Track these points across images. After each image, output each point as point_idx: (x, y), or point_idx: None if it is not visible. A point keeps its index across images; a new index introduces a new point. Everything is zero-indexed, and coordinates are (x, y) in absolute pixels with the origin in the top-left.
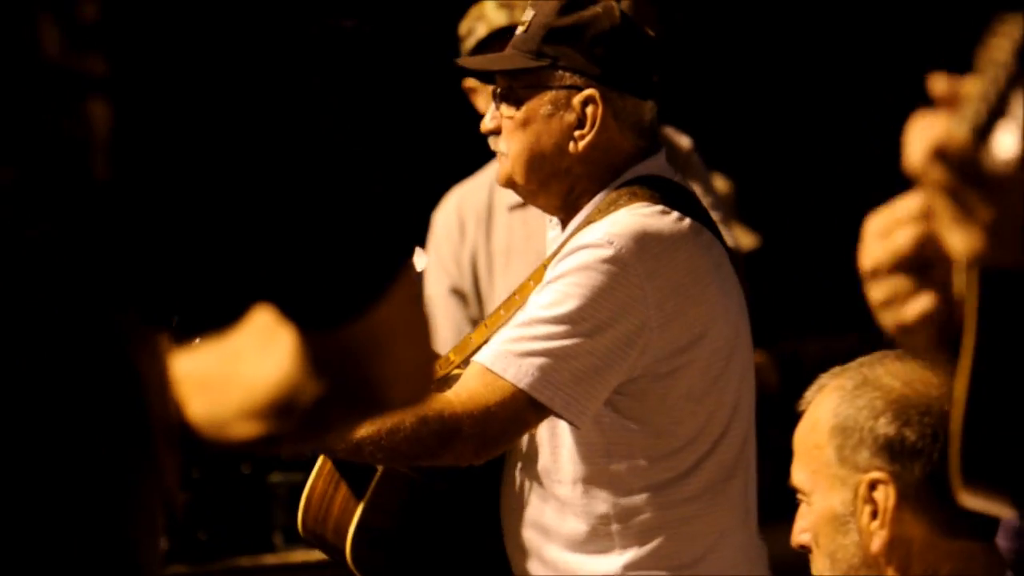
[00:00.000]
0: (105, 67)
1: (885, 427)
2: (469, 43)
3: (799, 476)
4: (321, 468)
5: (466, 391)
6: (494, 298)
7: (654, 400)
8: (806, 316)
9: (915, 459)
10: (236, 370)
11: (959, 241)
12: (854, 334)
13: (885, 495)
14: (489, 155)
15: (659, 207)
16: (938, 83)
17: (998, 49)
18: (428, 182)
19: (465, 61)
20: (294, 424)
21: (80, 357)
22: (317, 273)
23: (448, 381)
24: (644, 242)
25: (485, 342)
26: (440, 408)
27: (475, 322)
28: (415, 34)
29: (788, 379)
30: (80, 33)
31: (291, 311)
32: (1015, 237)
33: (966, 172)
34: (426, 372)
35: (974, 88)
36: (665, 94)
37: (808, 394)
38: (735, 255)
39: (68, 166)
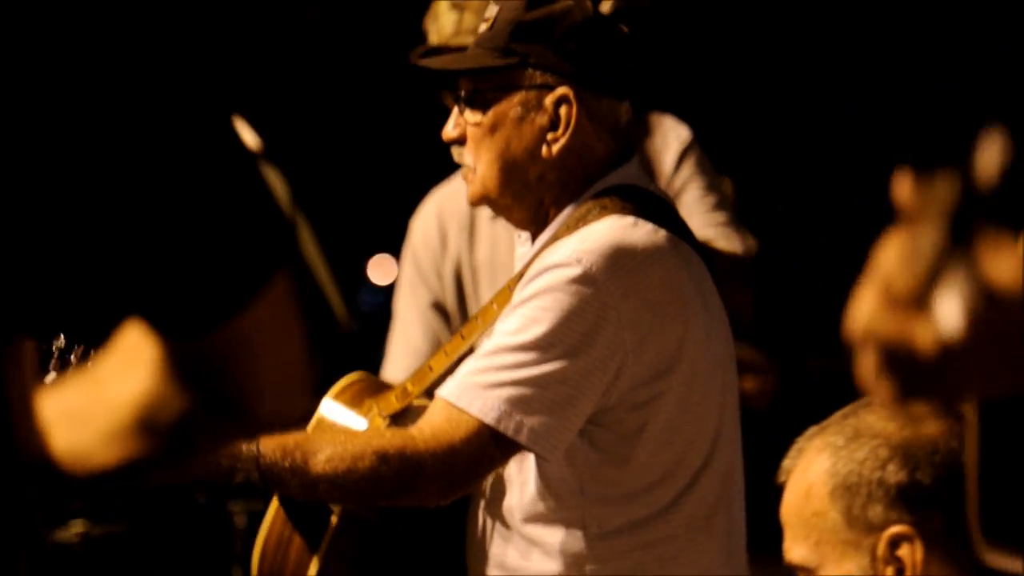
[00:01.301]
0: None
1: (896, 475)
2: (431, 40)
3: (798, 552)
4: (275, 515)
5: (429, 427)
6: None
7: (631, 431)
8: (812, 332)
9: (933, 505)
10: (98, 395)
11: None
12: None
13: (911, 551)
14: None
15: (631, 219)
16: (902, 188)
17: (932, 209)
18: (397, 185)
19: (425, 62)
20: (161, 443)
21: None
22: (179, 281)
23: (407, 414)
24: (615, 258)
25: (446, 371)
26: (402, 445)
27: None
28: (373, 25)
29: (791, 398)
30: None
31: (155, 321)
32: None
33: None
34: (298, 384)
35: (912, 251)
36: (665, 88)
37: (787, 462)
38: (741, 260)
39: None
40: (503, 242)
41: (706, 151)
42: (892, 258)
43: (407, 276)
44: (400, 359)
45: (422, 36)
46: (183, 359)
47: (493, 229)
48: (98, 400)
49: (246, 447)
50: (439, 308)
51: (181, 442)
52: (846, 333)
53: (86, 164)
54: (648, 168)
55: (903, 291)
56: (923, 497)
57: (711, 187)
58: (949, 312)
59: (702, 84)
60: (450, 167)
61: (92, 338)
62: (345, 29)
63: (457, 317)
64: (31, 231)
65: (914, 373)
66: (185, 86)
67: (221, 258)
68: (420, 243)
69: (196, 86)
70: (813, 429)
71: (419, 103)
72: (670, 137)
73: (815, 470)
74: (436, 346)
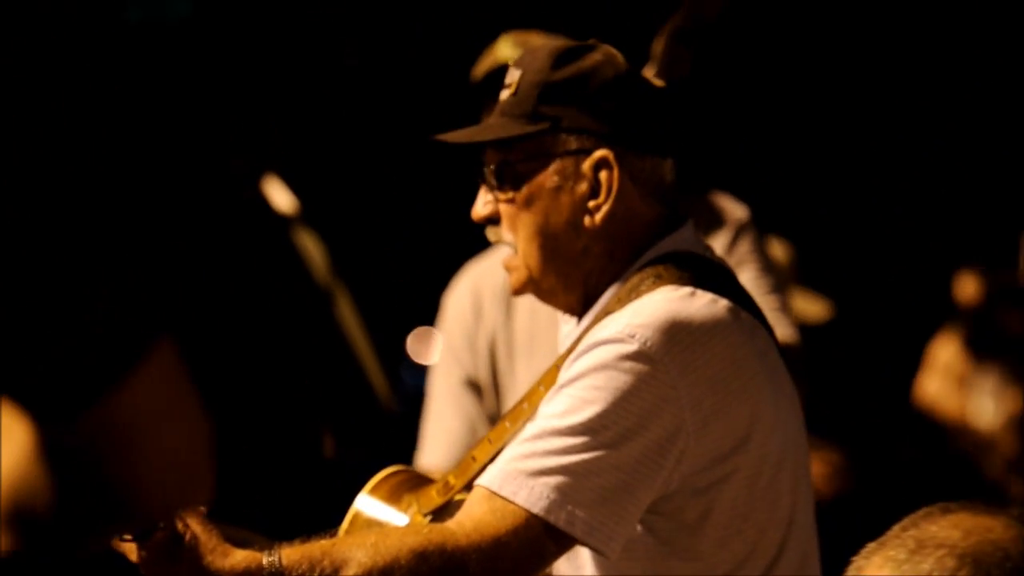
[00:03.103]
0: None
1: None
2: (477, 78)
3: None
4: None
5: (471, 520)
6: (515, 391)
7: (695, 519)
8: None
9: None
10: None
11: None
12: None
13: None
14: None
15: (688, 289)
16: (967, 287)
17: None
18: (442, 254)
19: (447, 136)
20: (39, 536)
21: None
22: (47, 354)
23: (448, 509)
24: (673, 332)
25: (491, 461)
26: (442, 541)
27: (493, 419)
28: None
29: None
30: None
31: (23, 400)
32: None
33: None
34: (194, 469)
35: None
36: (716, 153)
37: None
38: (797, 351)
39: None
40: (542, 312)
41: (763, 215)
42: (949, 349)
43: (440, 355)
44: (434, 444)
45: (472, 90)
46: (56, 443)
47: (531, 300)
48: None
49: (266, 559)
50: (472, 385)
51: (62, 535)
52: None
53: None
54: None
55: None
56: None
57: (766, 269)
58: (983, 410)
59: (758, 137)
60: (469, 242)
61: None
62: (395, 83)
63: (491, 392)
64: None
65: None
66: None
67: (89, 326)
68: (454, 319)
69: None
70: (871, 546)
71: (467, 169)
72: (726, 216)
73: None
74: (470, 427)
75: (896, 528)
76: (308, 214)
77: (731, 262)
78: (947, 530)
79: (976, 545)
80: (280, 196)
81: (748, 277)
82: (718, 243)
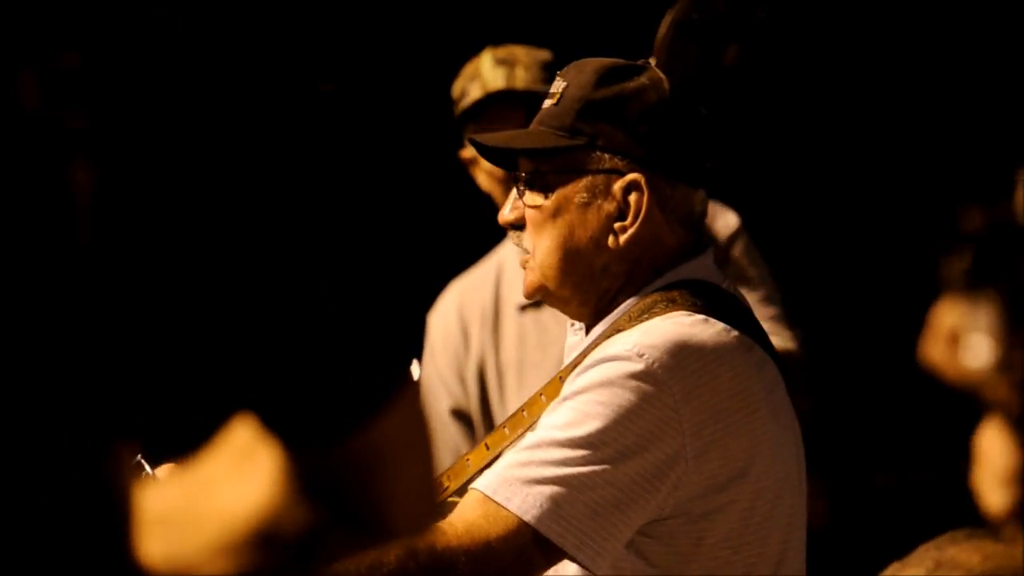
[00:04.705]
0: (87, 122)
1: None
2: (462, 105)
3: None
4: None
5: (462, 522)
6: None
7: (686, 546)
8: (879, 445)
9: None
10: (207, 499)
11: None
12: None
13: None
14: (488, 240)
15: (700, 316)
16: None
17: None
18: (419, 273)
19: (483, 138)
20: (278, 558)
21: (48, 482)
22: (308, 386)
23: (442, 510)
24: (682, 356)
25: (486, 466)
26: (432, 540)
27: None
28: (402, 99)
29: (857, 512)
30: (61, 85)
31: (277, 429)
32: None
33: None
34: (430, 493)
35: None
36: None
37: None
38: (796, 360)
39: (49, 232)
40: (532, 337)
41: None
42: (953, 312)
43: (425, 379)
44: None
45: (458, 112)
46: (309, 471)
47: (520, 324)
48: (206, 507)
49: None
50: (461, 415)
51: (303, 557)
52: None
53: (216, 237)
54: None
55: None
56: None
57: (761, 278)
58: (979, 347)
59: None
60: (481, 255)
61: (193, 441)
62: (371, 105)
63: (481, 424)
64: (149, 308)
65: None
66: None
67: (355, 360)
68: (439, 342)
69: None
70: (894, 565)
71: (448, 187)
72: (718, 223)
73: None
74: (455, 458)
75: (920, 549)
76: None
77: (725, 271)
78: (967, 553)
79: (993, 570)
80: None
81: (743, 285)
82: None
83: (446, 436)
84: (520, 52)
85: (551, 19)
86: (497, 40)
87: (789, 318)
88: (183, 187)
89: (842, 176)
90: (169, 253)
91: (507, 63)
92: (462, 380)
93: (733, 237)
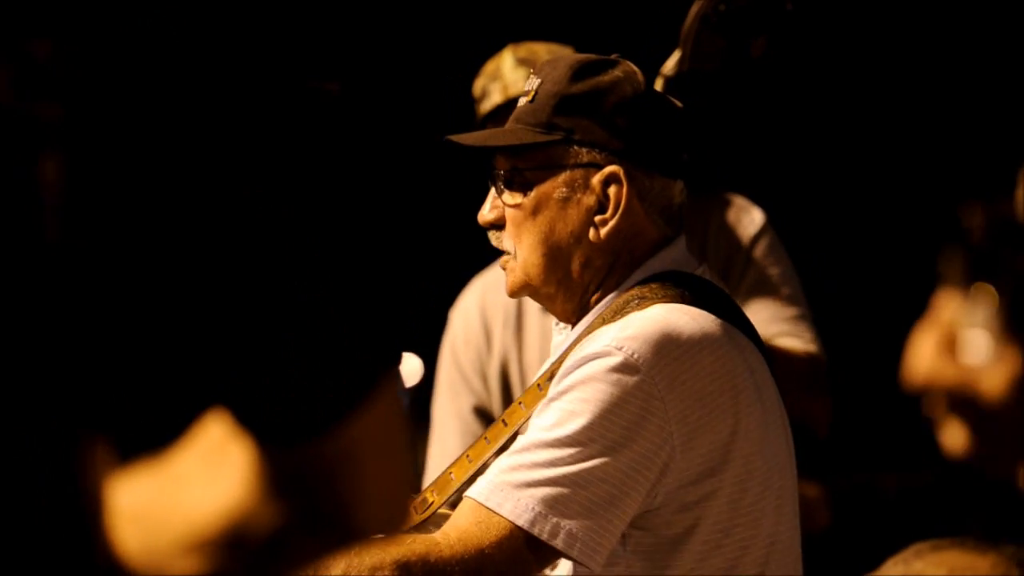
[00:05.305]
0: (60, 114)
1: None
2: (484, 107)
3: None
4: None
5: (456, 531)
6: None
7: (678, 534)
8: (882, 447)
9: None
10: (177, 496)
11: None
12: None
13: None
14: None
15: (676, 305)
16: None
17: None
18: (421, 275)
19: (460, 138)
20: (247, 557)
21: (21, 475)
22: (284, 380)
23: (426, 527)
24: (660, 345)
25: (470, 479)
26: (425, 552)
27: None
28: (408, 98)
29: (860, 515)
30: (32, 75)
31: (250, 423)
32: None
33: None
34: (402, 495)
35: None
36: (732, 151)
37: None
38: (816, 361)
39: (17, 226)
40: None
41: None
42: (950, 304)
43: (447, 376)
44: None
45: (452, 109)
46: (281, 468)
47: (542, 325)
48: (178, 503)
49: None
50: (483, 414)
51: (271, 558)
52: (905, 380)
53: (192, 233)
54: (719, 251)
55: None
56: None
57: (784, 277)
58: (976, 342)
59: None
60: (485, 256)
61: (165, 436)
62: (374, 107)
63: None
64: (121, 301)
65: (982, 419)
66: (313, 179)
67: (332, 356)
68: (461, 339)
69: (325, 177)
70: None
71: (447, 187)
72: (742, 219)
73: None
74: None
75: (888, 563)
76: None
77: (748, 267)
78: (933, 567)
79: None
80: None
81: (764, 285)
82: (735, 246)
83: (468, 432)
84: (541, 51)
85: (564, 14)
86: (507, 38)
87: (811, 319)
88: (155, 180)
89: (842, 174)
90: (142, 247)
91: (528, 63)
92: (484, 379)
93: (757, 236)
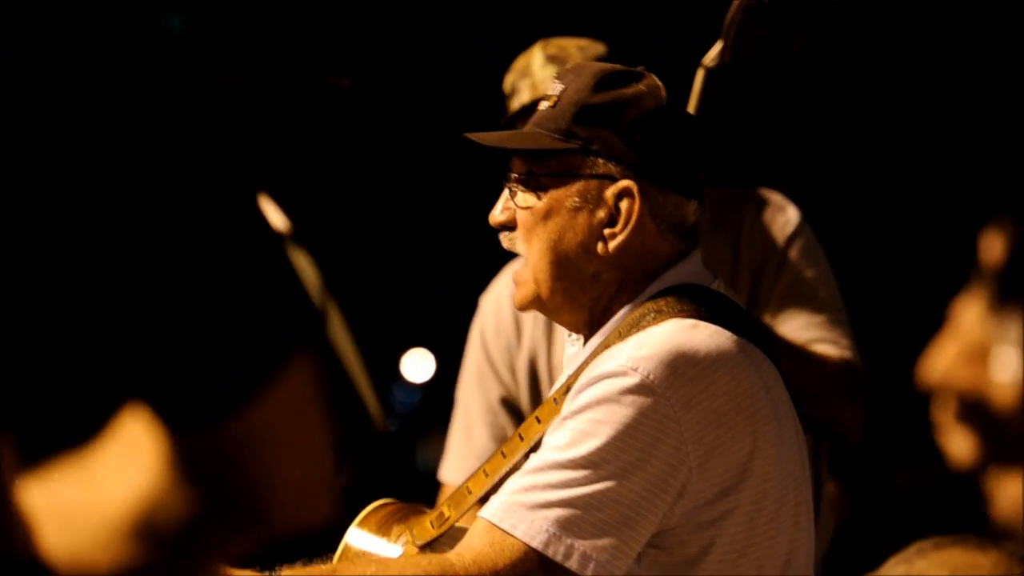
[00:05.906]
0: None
1: None
2: (513, 104)
3: None
4: None
5: (470, 552)
6: None
7: (694, 554)
8: (894, 442)
9: None
10: (94, 490)
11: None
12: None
13: None
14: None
15: (691, 321)
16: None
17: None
18: (436, 274)
19: (478, 137)
20: (165, 548)
21: None
22: (186, 364)
23: (443, 541)
24: (676, 365)
25: (487, 494)
26: (440, 574)
27: None
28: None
29: (874, 511)
30: (20, 72)
31: (158, 409)
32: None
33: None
34: (321, 484)
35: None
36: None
37: None
38: (851, 368)
39: None
40: None
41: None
42: (973, 312)
43: (475, 364)
44: (461, 462)
45: (472, 108)
46: (188, 454)
47: None
48: (93, 497)
49: None
50: (510, 405)
51: (189, 548)
52: (921, 381)
53: (89, 237)
54: (753, 250)
55: (982, 344)
56: None
57: (819, 280)
58: (1007, 361)
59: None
60: (496, 257)
61: (84, 429)
62: (386, 102)
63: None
64: (25, 301)
65: (991, 427)
66: (203, 163)
67: (231, 340)
68: (492, 329)
69: (214, 163)
70: None
71: (465, 188)
72: (777, 219)
73: None
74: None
75: (890, 562)
76: (300, 233)
77: (782, 268)
78: (935, 567)
79: None
80: (271, 215)
81: (798, 289)
82: (769, 246)
83: (495, 424)
84: (572, 48)
85: (604, 5)
86: (545, 28)
87: (848, 324)
88: (49, 175)
89: (867, 180)
90: (41, 244)
91: (558, 60)
92: (513, 371)
93: (792, 237)
